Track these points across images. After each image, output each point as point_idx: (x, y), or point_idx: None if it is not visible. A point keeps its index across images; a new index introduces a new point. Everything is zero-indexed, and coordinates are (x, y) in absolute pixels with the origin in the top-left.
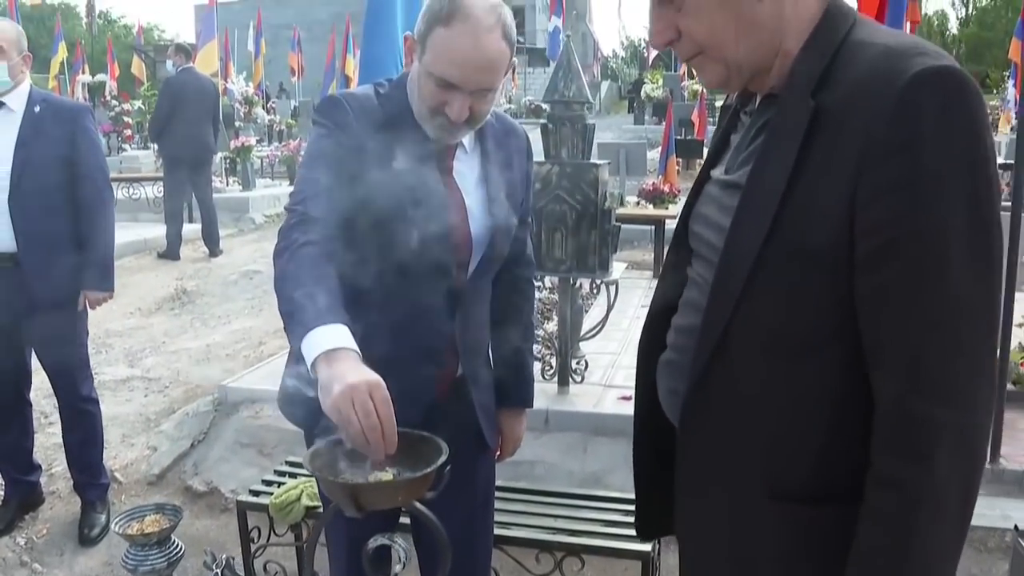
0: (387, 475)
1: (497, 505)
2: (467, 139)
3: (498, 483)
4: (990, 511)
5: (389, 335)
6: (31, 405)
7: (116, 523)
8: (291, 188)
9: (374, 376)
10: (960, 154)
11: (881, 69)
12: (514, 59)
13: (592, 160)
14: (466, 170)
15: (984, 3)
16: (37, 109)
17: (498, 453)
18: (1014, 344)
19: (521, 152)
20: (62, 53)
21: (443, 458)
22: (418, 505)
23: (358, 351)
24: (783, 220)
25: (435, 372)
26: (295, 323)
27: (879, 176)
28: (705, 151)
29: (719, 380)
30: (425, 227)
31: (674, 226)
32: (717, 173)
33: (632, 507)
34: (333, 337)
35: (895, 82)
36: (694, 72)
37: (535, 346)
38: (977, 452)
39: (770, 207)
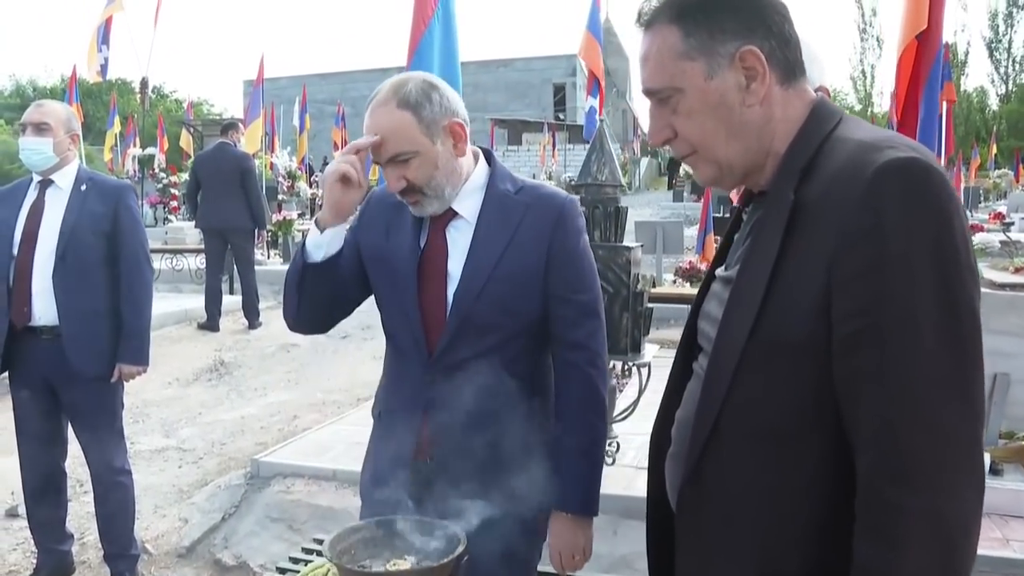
0: (404, 564)
1: None
2: (468, 209)
3: None
4: None
5: (384, 395)
6: (65, 475)
7: None
8: None
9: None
10: (926, 239)
11: (852, 162)
12: (443, 121)
13: (626, 239)
14: (462, 239)
15: None
16: (83, 187)
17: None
18: None
19: (545, 224)
20: (117, 127)
21: (460, 549)
22: None
23: None
24: (766, 312)
25: (414, 440)
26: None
27: (849, 263)
28: None
29: (712, 469)
30: (396, 292)
31: None
32: (720, 271)
33: None
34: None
35: (863, 173)
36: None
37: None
38: (956, 538)
39: (755, 300)
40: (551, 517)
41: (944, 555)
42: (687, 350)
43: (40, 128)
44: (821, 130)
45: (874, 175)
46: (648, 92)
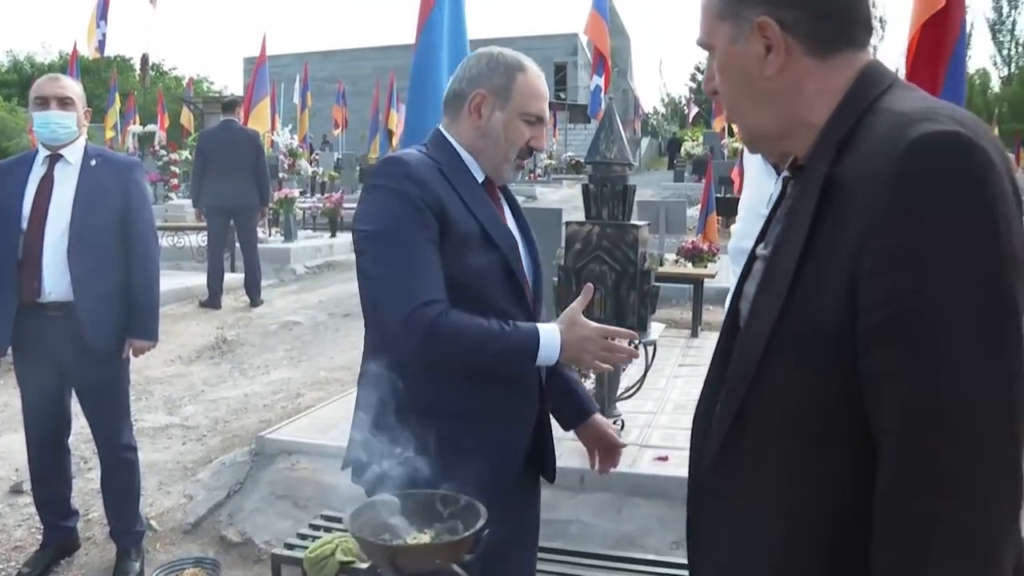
0: (425, 537)
1: None
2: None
3: None
4: None
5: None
6: (70, 452)
7: (155, 575)
8: (332, 240)
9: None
10: (964, 225)
11: (887, 136)
12: None
13: (632, 219)
14: (506, 212)
15: None
16: (93, 163)
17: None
18: None
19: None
20: (117, 104)
21: (481, 522)
22: (456, 569)
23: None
24: (794, 298)
25: (528, 411)
26: (518, 354)
27: (877, 249)
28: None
29: (733, 460)
30: (502, 262)
31: (714, 285)
32: (759, 249)
33: (667, 570)
34: (546, 337)
35: (895, 149)
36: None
37: None
38: (989, 553)
39: (783, 285)
40: (588, 424)
41: (976, 570)
42: (730, 332)
43: (64, 102)
44: (863, 100)
45: (906, 151)
46: (697, 43)
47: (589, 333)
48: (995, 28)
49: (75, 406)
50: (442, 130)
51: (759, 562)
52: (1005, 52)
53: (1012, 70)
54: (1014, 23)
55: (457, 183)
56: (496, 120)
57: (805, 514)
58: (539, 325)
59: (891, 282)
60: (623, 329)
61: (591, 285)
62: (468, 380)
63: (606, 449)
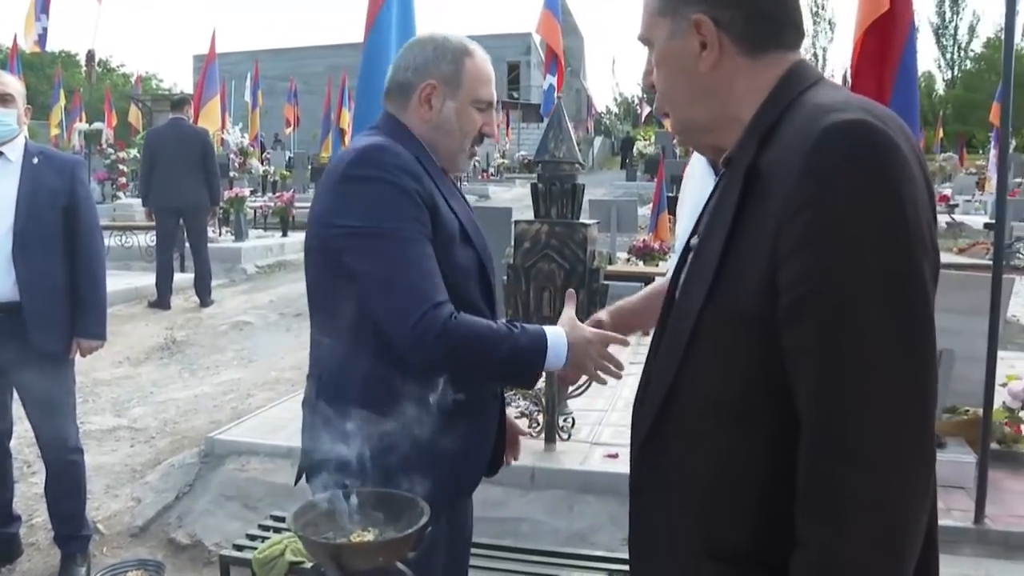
0: (368, 535)
1: (482, 563)
2: None
3: (484, 540)
4: (975, 571)
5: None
6: (11, 455)
7: None
8: (283, 239)
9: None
10: (871, 209)
11: (803, 127)
12: None
13: (582, 218)
14: None
15: (968, 66)
16: (35, 161)
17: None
18: (997, 403)
19: None
20: (62, 101)
21: (424, 519)
22: (400, 566)
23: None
24: (719, 284)
25: (496, 409)
26: (528, 356)
27: (790, 233)
28: None
29: (662, 441)
30: (482, 259)
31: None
32: (692, 241)
33: (618, 566)
34: (553, 338)
35: (808, 138)
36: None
37: (522, 402)
38: (899, 519)
39: (709, 272)
40: None
41: (887, 536)
42: (665, 323)
43: (4, 99)
44: (787, 95)
45: (816, 139)
46: (638, 38)
47: (591, 336)
48: (939, 32)
49: (17, 408)
50: (398, 118)
51: (684, 543)
52: (948, 56)
53: (956, 73)
54: (956, 28)
55: (434, 176)
56: (448, 110)
57: (731, 490)
58: (544, 327)
59: (805, 262)
60: (620, 336)
61: (573, 291)
62: (442, 381)
63: (511, 439)
